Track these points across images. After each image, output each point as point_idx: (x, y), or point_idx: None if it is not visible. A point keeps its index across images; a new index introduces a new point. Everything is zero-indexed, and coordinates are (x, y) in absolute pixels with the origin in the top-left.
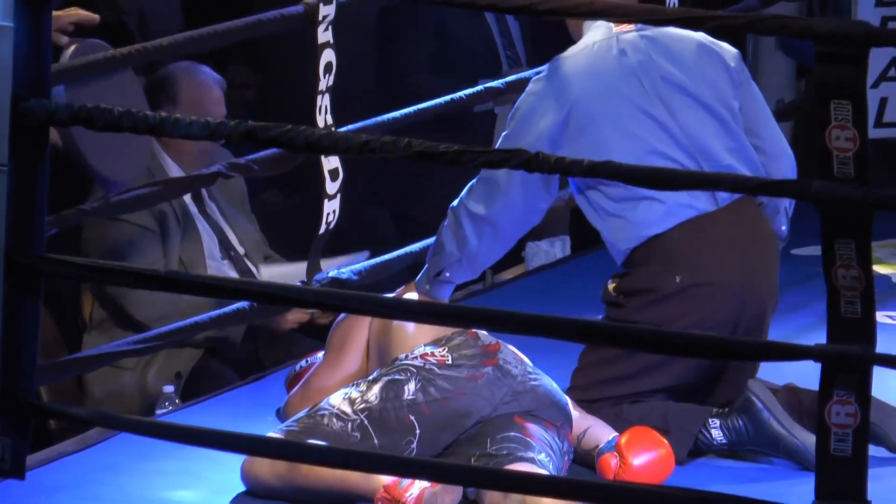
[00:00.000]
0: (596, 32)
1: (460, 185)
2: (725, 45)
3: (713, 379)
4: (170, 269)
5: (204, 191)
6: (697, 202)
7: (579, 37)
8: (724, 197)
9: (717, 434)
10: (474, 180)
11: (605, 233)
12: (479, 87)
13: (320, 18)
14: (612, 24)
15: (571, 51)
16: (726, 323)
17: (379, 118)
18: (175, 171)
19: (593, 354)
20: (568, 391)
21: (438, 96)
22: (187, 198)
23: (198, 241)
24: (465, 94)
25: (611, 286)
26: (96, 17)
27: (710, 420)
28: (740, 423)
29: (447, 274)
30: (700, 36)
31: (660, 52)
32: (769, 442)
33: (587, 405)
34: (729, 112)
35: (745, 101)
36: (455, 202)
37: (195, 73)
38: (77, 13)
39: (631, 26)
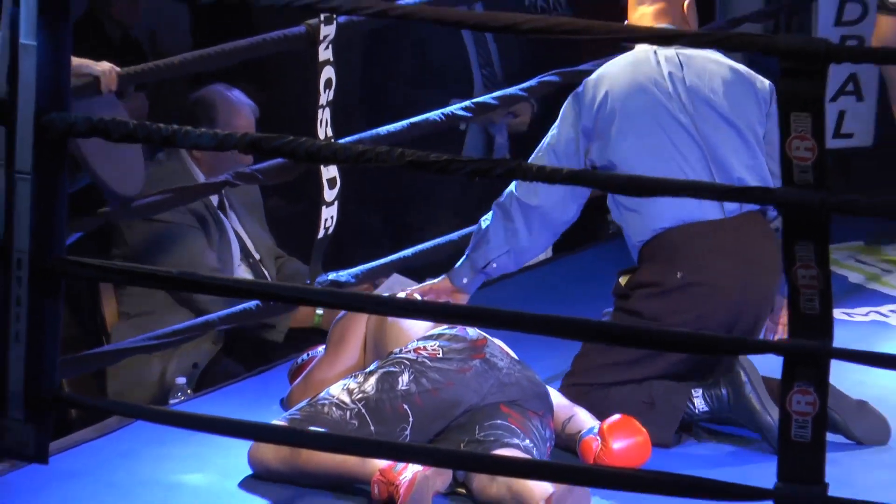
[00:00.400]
0: (640, 46)
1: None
2: (761, 78)
3: (706, 369)
4: (212, 264)
5: (226, 200)
6: (705, 207)
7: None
8: (733, 208)
9: (699, 403)
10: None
11: (624, 227)
12: (468, 103)
13: (321, 38)
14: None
15: (617, 58)
16: (722, 324)
17: (372, 131)
18: (201, 176)
19: (590, 346)
20: (567, 375)
21: (416, 110)
22: (216, 205)
23: (228, 244)
24: (452, 111)
25: (622, 280)
26: (114, 83)
27: (692, 391)
28: (723, 391)
29: (494, 265)
30: (738, 65)
31: (693, 67)
32: (746, 414)
33: (583, 388)
34: (752, 133)
35: (770, 132)
36: (502, 198)
37: (230, 97)
38: (94, 68)
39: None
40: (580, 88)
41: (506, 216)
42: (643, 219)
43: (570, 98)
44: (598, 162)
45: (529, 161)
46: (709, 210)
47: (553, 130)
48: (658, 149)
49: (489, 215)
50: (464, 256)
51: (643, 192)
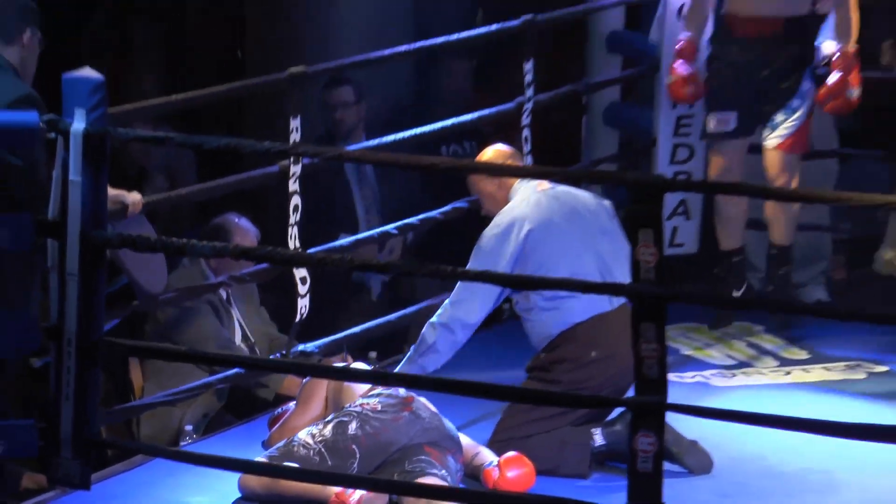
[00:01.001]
0: (525, 192)
1: None
2: (606, 201)
3: (603, 416)
4: (224, 337)
5: (231, 297)
6: (602, 303)
7: (504, 203)
8: (617, 302)
9: (598, 438)
10: (453, 299)
11: (535, 324)
12: (352, 238)
13: (290, 174)
14: (535, 185)
15: (513, 204)
16: (617, 384)
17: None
18: (213, 278)
19: (515, 408)
20: (494, 434)
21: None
22: (225, 298)
23: (233, 329)
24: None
25: (542, 357)
26: (139, 208)
27: (592, 430)
28: (619, 428)
29: (430, 370)
30: (589, 193)
31: (573, 201)
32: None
33: (509, 442)
34: (622, 244)
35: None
36: (444, 319)
37: (240, 224)
38: (126, 198)
39: (548, 185)
40: (501, 230)
41: (451, 333)
42: (562, 315)
43: (493, 237)
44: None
45: (465, 291)
46: (605, 305)
47: (483, 259)
48: (568, 263)
49: (434, 332)
50: (409, 361)
51: (570, 287)
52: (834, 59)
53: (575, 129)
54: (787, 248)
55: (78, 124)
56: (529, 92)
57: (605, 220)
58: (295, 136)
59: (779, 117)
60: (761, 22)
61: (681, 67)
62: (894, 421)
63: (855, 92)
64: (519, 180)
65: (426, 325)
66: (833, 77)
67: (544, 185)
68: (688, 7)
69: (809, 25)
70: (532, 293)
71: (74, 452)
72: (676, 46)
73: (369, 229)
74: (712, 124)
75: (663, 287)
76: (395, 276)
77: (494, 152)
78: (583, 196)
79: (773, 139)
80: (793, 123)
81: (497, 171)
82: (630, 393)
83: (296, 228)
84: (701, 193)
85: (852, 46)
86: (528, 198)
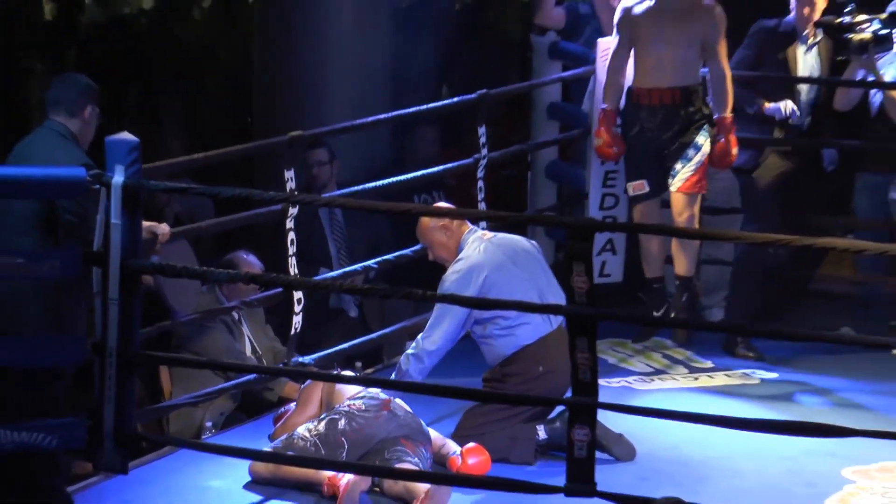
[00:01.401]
0: (474, 242)
1: None
2: (534, 242)
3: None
4: (236, 349)
5: (242, 318)
6: (545, 325)
7: (457, 251)
8: (556, 322)
9: (541, 433)
10: (423, 335)
11: (491, 347)
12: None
13: (288, 215)
14: (480, 235)
15: (468, 253)
16: (559, 392)
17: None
18: (226, 302)
19: (474, 409)
20: (457, 428)
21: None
22: (237, 319)
23: (244, 344)
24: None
25: (497, 369)
26: (167, 238)
27: (536, 426)
28: (558, 425)
29: None
30: (522, 237)
31: (513, 244)
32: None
33: (469, 435)
34: (550, 276)
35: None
36: (416, 351)
37: (248, 258)
38: (155, 229)
39: (490, 234)
40: (462, 275)
41: (420, 361)
42: (514, 339)
43: (455, 282)
44: (480, 315)
45: (436, 317)
46: (547, 328)
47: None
48: (519, 296)
49: (407, 361)
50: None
51: (519, 308)
52: (715, 126)
53: (522, 181)
54: (689, 279)
55: (118, 178)
56: (484, 151)
57: (537, 257)
58: (291, 185)
59: (678, 166)
60: (662, 92)
61: (604, 133)
62: (782, 417)
63: (734, 150)
64: (466, 231)
65: (402, 355)
66: (717, 140)
67: (487, 234)
68: (604, 83)
69: (699, 91)
70: (489, 325)
71: (115, 444)
72: (598, 115)
73: (340, 266)
74: (631, 190)
75: (594, 308)
76: (369, 300)
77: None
78: (518, 240)
79: (675, 184)
80: (691, 169)
81: (467, 215)
82: (568, 395)
83: (294, 258)
84: (624, 233)
85: (728, 114)
86: (479, 247)
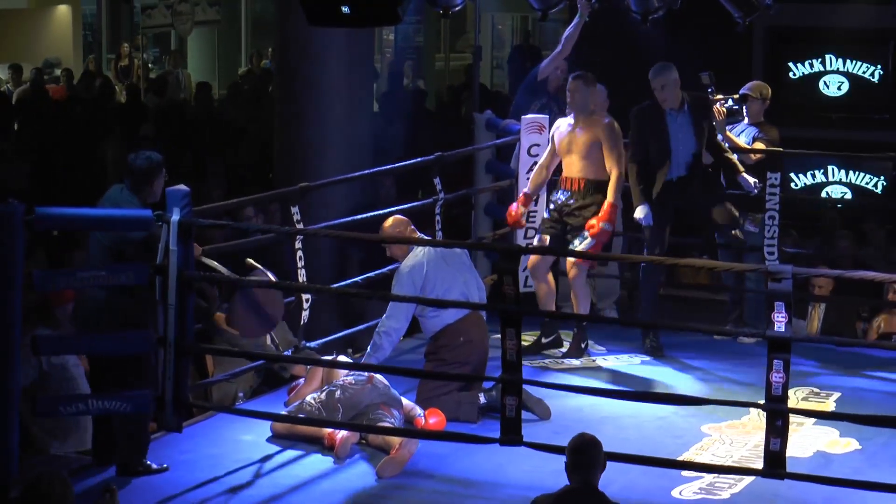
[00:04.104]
0: (417, 251)
1: None
2: (465, 251)
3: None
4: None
5: None
6: (462, 312)
7: (408, 251)
8: (468, 311)
9: (482, 399)
10: (387, 315)
11: (427, 324)
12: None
13: (296, 238)
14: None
15: (415, 253)
16: (480, 356)
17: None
18: None
19: (426, 382)
20: (417, 394)
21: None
22: None
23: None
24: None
25: (432, 345)
26: (199, 251)
27: (479, 394)
28: (494, 393)
29: (381, 359)
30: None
31: (447, 250)
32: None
33: (426, 400)
34: (475, 276)
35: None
36: (384, 329)
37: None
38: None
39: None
40: (409, 269)
41: (388, 336)
42: (441, 319)
43: (406, 275)
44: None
45: (394, 304)
46: (463, 313)
47: (401, 287)
48: (449, 287)
49: (379, 337)
50: (367, 356)
51: (445, 305)
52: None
53: (467, 217)
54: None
55: (175, 217)
56: (441, 195)
57: (465, 259)
58: (297, 217)
59: (576, 242)
60: (573, 180)
61: (515, 211)
62: (658, 390)
63: (609, 226)
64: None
65: (374, 333)
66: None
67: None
68: (533, 172)
69: (602, 185)
70: (427, 309)
71: (173, 410)
72: (520, 196)
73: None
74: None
75: (519, 307)
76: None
77: (394, 220)
78: (459, 252)
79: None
80: (585, 244)
81: (428, 243)
82: (499, 371)
83: (303, 270)
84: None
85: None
86: (423, 250)
